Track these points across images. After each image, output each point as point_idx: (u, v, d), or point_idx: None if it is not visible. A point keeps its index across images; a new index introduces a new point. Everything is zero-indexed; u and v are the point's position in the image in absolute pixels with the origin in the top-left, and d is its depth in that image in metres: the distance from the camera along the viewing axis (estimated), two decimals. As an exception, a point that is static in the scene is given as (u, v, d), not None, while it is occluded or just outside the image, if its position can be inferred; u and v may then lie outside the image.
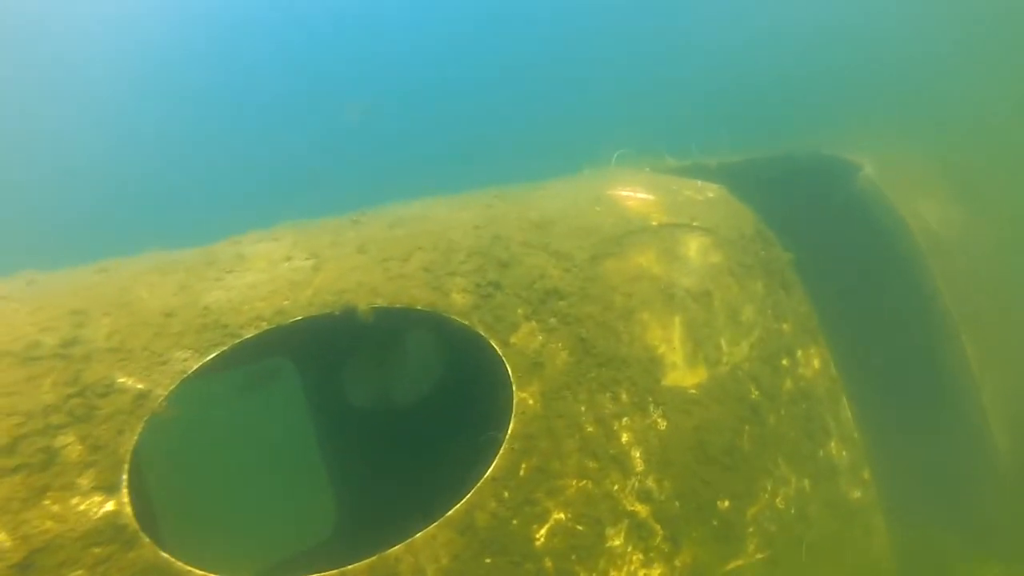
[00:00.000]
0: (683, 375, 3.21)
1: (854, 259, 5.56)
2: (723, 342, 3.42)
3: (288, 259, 2.81)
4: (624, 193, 3.84)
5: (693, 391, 3.19)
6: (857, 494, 3.75)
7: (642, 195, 3.86)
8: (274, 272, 2.71)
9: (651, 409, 3.03)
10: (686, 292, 3.39)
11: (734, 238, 3.80)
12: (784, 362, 3.64)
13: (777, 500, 3.34)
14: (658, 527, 2.86)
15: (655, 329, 3.20)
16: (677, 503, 2.95)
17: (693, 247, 3.62)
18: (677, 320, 3.29)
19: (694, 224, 3.75)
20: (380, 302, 2.71)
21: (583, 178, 4.34)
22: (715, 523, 3.05)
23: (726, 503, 3.12)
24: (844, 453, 3.76)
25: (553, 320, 2.96)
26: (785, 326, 3.74)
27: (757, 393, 3.44)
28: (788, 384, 3.61)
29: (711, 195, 4.07)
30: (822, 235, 5.81)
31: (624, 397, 2.98)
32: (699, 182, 4.16)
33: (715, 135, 5.57)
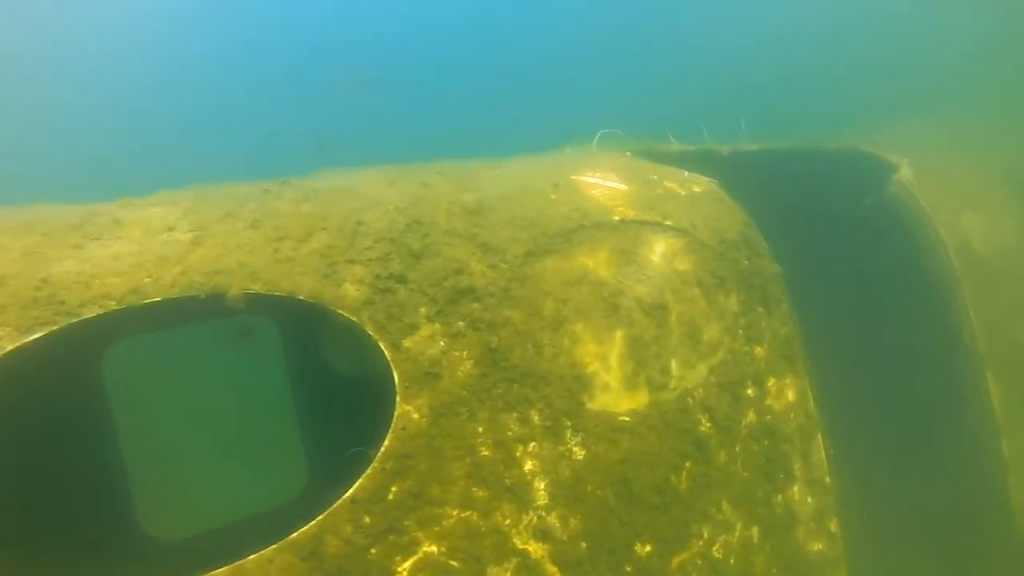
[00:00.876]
0: (616, 399, 2.80)
1: (875, 275, 4.93)
2: (674, 364, 2.98)
3: (170, 229, 2.53)
4: (590, 180, 3.38)
5: (626, 418, 2.79)
6: (818, 547, 3.30)
7: (612, 184, 3.39)
8: (146, 244, 2.43)
9: (568, 435, 2.65)
10: (636, 303, 2.95)
11: (713, 243, 3.31)
12: (749, 392, 3.18)
13: (714, 548, 2.94)
14: (555, 570, 2.52)
15: (588, 344, 2.79)
16: (584, 544, 2.59)
17: (658, 250, 3.16)
18: (618, 335, 2.87)
19: (666, 223, 3.27)
20: (257, 288, 2.40)
21: (552, 158, 3.88)
22: (629, 569, 2.68)
23: (647, 548, 2.74)
24: (809, 500, 3.30)
25: (461, 324, 2.59)
26: (758, 350, 3.26)
27: (708, 425, 3.00)
28: (750, 417, 3.15)
29: (698, 189, 3.56)
30: (842, 244, 5.19)
31: (535, 419, 2.61)
32: (686, 173, 3.65)
33: (734, 123, 4.98)
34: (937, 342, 4.44)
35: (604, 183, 3.38)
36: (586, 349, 2.78)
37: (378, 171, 3.26)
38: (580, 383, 2.72)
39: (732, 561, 2.99)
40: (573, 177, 3.38)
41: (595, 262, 2.98)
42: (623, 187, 3.39)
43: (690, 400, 2.98)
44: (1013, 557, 4.13)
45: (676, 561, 2.81)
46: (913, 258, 4.51)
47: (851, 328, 4.94)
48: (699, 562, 2.88)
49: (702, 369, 3.07)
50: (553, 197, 3.18)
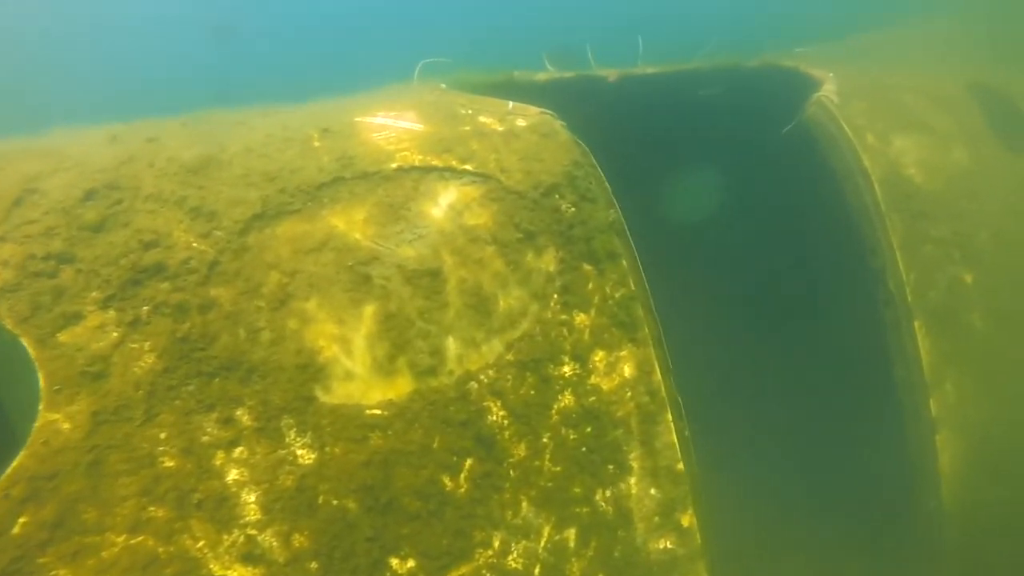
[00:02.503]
0: (363, 389, 2.30)
1: (792, 214, 4.24)
2: (452, 342, 2.45)
3: None
4: (379, 121, 2.80)
5: (377, 411, 2.30)
6: (665, 544, 2.79)
7: (406, 124, 2.81)
8: None
9: (290, 436, 2.18)
10: (397, 270, 2.41)
11: (525, 189, 2.72)
12: (565, 370, 2.63)
13: (510, 558, 2.47)
14: (268, 599, 2.09)
15: (324, 324, 2.29)
16: (315, 564, 2.16)
17: (442, 203, 2.59)
18: (368, 311, 2.35)
19: (464, 167, 2.69)
20: None
21: (350, 99, 3.28)
22: (382, 590, 2.25)
23: (409, 564, 2.29)
24: (653, 492, 2.78)
25: (145, 309, 2.11)
26: (580, 318, 2.69)
27: (501, 414, 2.49)
28: (565, 401, 2.62)
29: (522, 124, 2.95)
30: (757, 180, 4.49)
31: (244, 419, 2.14)
32: (511, 104, 3.02)
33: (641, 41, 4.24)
34: (858, 289, 3.78)
35: (396, 124, 2.80)
36: (320, 331, 2.28)
37: (113, 127, 2.75)
38: (309, 373, 2.23)
39: (537, 570, 2.52)
40: (357, 119, 2.81)
41: (347, 223, 2.44)
42: (419, 127, 2.80)
43: (474, 385, 2.46)
44: (935, 526, 3.56)
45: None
46: (831, 191, 3.81)
47: (762, 276, 4.29)
48: (487, 574, 2.42)
49: (496, 346, 2.54)
50: (316, 145, 2.63)
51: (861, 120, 3.86)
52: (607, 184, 2.90)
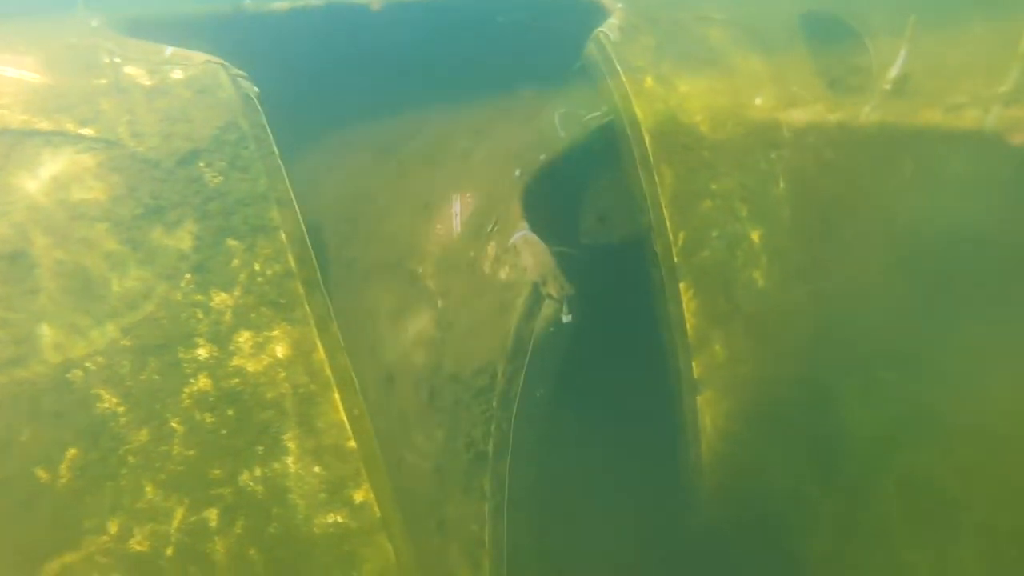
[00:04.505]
0: (-69, 383, 2.19)
1: (573, 168, 3.91)
2: (46, 330, 2.30)
3: None
4: (-4, 73, 2.49)
5: (-52, 406, 2.20)
6: (334, 519, 2.78)
7: (17, 72, 2.49)
8: None
9: None
10: (-30, 254, 2.22)
11: (159, 157, 2.45)
12: (200, 352, 2.49)
13: (132, 542, 2.45)
14: None
15: None
16: None
17: (44, 174, 2.35)
18: (-68, 300, 2.18)
19: (81, 131, 2.42)
20: None
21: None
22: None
23: None
24: (316, 470, 2.72)
25: None
26: (221, 298, 2.52)
27: (115, 400, 2.38)
28: (200, 384, 2.50)
29: (178, 76, 2.62)
30: (544, 129, 4.12)
31: None
32: (170, 50, 2.67)
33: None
34: (627, 247, 3.56)
35: (3, 71, 2.49)
36: None
37: None
38: None
39: (170, 551, 2.51)
40: (-24, 68, 2.50)
41: (-86, 200, 2.21)
42: (35, 77, 2.50)
43: (79, 373, 2.33)
44: (694, 476, 3.55)
45: (52, 567, 2.34)
46: (604, 138, 3.50)
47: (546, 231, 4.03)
48: (102, 559, 2.41)
49: (109, 331, 2.38)
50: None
51: (641, 61, 3.46)
52: (275, 147, 2.63)
